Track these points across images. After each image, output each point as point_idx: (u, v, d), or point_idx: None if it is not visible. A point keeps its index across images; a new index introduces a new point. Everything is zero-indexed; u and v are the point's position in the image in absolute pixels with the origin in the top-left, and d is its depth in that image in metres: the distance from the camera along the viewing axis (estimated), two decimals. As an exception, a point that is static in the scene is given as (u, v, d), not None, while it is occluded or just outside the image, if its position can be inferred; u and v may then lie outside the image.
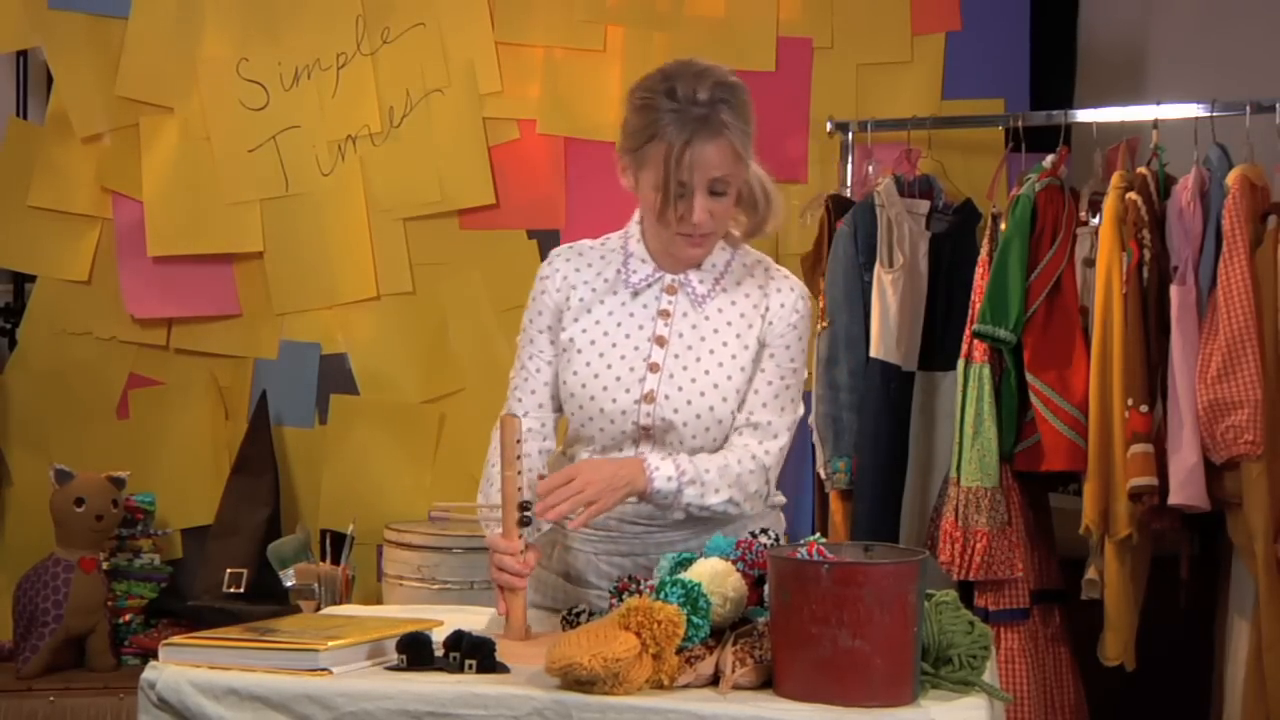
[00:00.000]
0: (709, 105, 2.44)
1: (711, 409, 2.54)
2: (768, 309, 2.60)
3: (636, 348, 2.57)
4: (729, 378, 2.56)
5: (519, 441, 2.42)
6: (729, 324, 2.58)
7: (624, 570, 2.59)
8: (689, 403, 2.53)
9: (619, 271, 2.62)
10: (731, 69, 2.53)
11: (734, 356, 2.57)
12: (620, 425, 2.55)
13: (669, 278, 2.61)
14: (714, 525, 2.57)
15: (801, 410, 2.67)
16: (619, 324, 2.59)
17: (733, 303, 2.60)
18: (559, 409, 2.65)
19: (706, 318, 2.59)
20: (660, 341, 2.57)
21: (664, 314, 2.59)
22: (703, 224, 2.49)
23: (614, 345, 2.57)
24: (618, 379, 2.55)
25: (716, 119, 2.43)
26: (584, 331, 2.59)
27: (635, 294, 2.60)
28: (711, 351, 2.56)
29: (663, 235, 2.55)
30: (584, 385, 2.56)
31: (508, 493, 2.38)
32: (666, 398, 2.53)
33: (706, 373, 2.55)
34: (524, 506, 2.38)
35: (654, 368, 2.55)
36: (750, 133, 2.50)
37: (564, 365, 2.59)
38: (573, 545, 2.61)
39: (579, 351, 2.58)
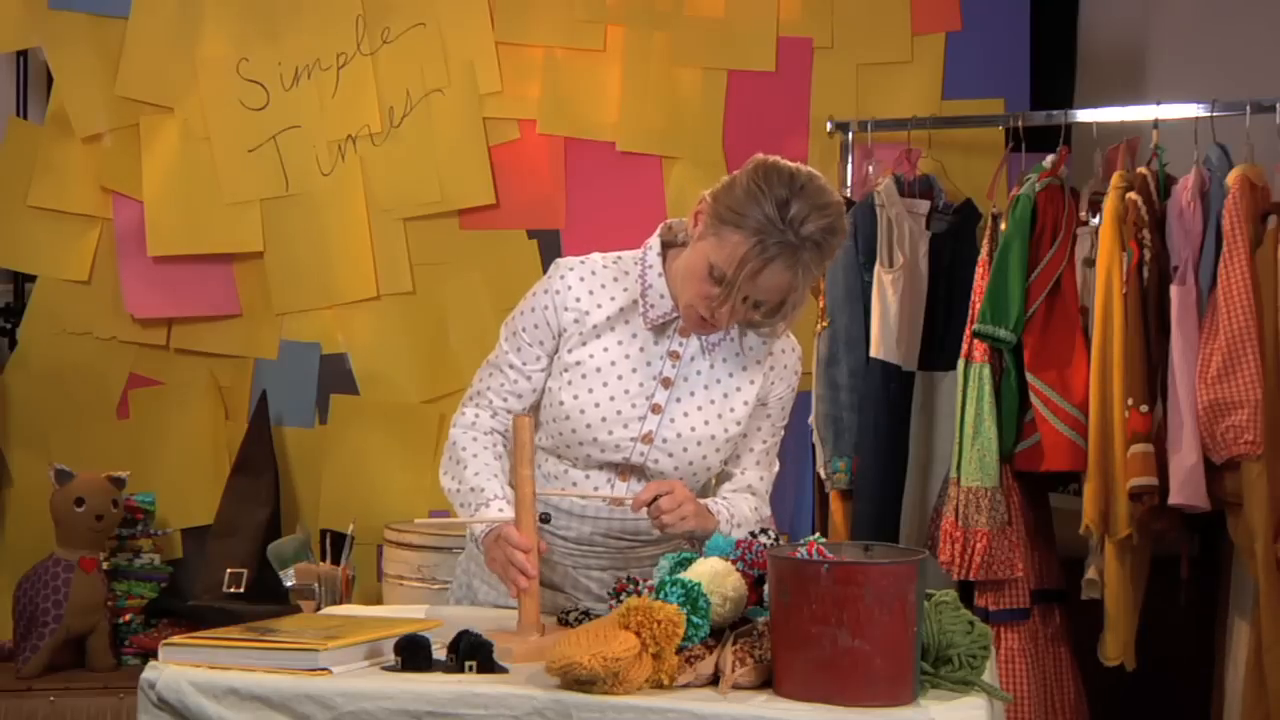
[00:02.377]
0: (804, 240, 2.39)
1: (704, 458, 2.58)
2: (772, 368, 2.64)
3: (642, 384, 2.56)
4: (725, 430, 2.59)
5: (485, 440, 2.49)
6: (730, 375, 2.60)
7: (602, 584, 2.61)
8: (684, 450, 2.56)
9: (636, 302, 2.59)
10: (840, 206, 2.47)
11: (733, 410, 2.60)
12: (611, 457, 2.57)
13: (681, 320, 2.59)
14: (687, 545, 2.63)
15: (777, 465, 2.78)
16: (627, 356, 2.57)
17: (737, 354, 2.61)
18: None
19: (712, 366, 2.60)
20: (666, 383, 2.58)
21: (673, 355, 2.59)
22: (719, 320, 2.49)
23: (620, 378, 2.56)
24: (619, 413, 2.55)
25: (803, 256, 2.40)
26: (592, 357, 2.56)
27: (650, 329, 2.58)
28: (712, 402, 2.59)
29: (684, 290, 2.52)
30: (583, 410, 2.55)
31: (525, 492, 2.38)
32: (664, 441, 2.56)
33: (706, 423, 2.58)
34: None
35: (656, 409, 2.56)
36: (818, 276, 2.53)
37: (563, 384, 2.56)
38: (551, 557, 2.61)
39: (583, 376, 2.56)
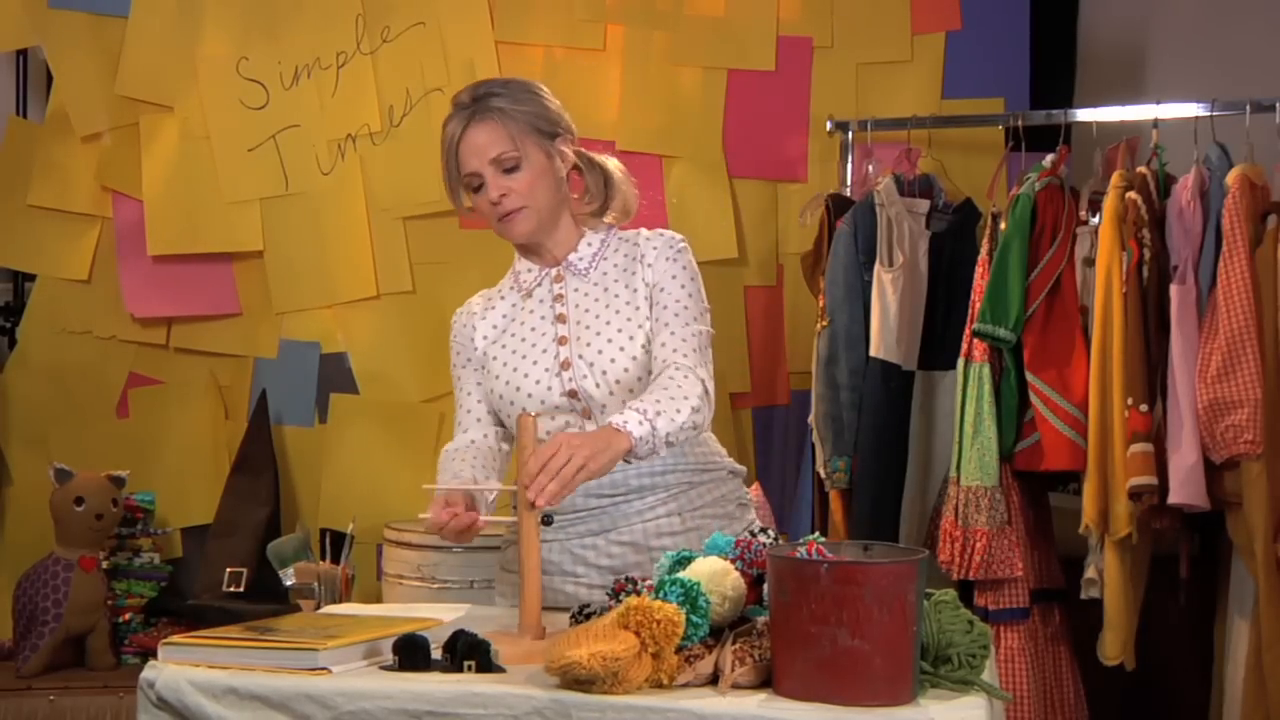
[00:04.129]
0: (474, 100, 2.64)
1: (622, 349, 2.63)
2: (643, 256, 2.72)
3: (543, 334, 2.69)
4: (629, 320, 2.66)
5: (462, 454, 2.63)
6: (615, 280, 2.71)
7: (599, 550, 2.63)
8: (600, 353, 2.63)
9: (513, 287, 2.79)
10: (517, 80, 2.72)
11: (627, 303, 2.68)
12: (549, 401, 2.63)
13: (554, 270, 2.75)
14: (678, 489, 2.65)
15: (712, 330, 2.73)
16: (521, 322, 2.73)
17: (615, 265, 2.74)
18: (501, 425, 2.76)
19: (595, 284, 2.72)
20: (561, 319, 2.70)
21: (558, 298, 2.72)
22: (500, 199, 2.64)
23: (523, 340, 2.70)
24: (534, 363, 2.67)
25: (484, 107, 2.63)
26: (492, 342, 2.74)
27: (529, 294, 2.75)
28: (607, 306, 2.69)
29: (494, 229, 2.71)
30: (507, 381, 2.67)
31: (527, 493, 2.38)
32: (580, 357, 2.64)
33: (608, 323, 2.67)
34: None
35: (563, 340, 2.67)
36: (539, 113, 2.66)
37: (488, 378, 2.72)
38: (544, 536, 2.60)
39: (494, 358, 2.72)
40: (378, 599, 4.12)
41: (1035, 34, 4.53)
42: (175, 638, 2.20)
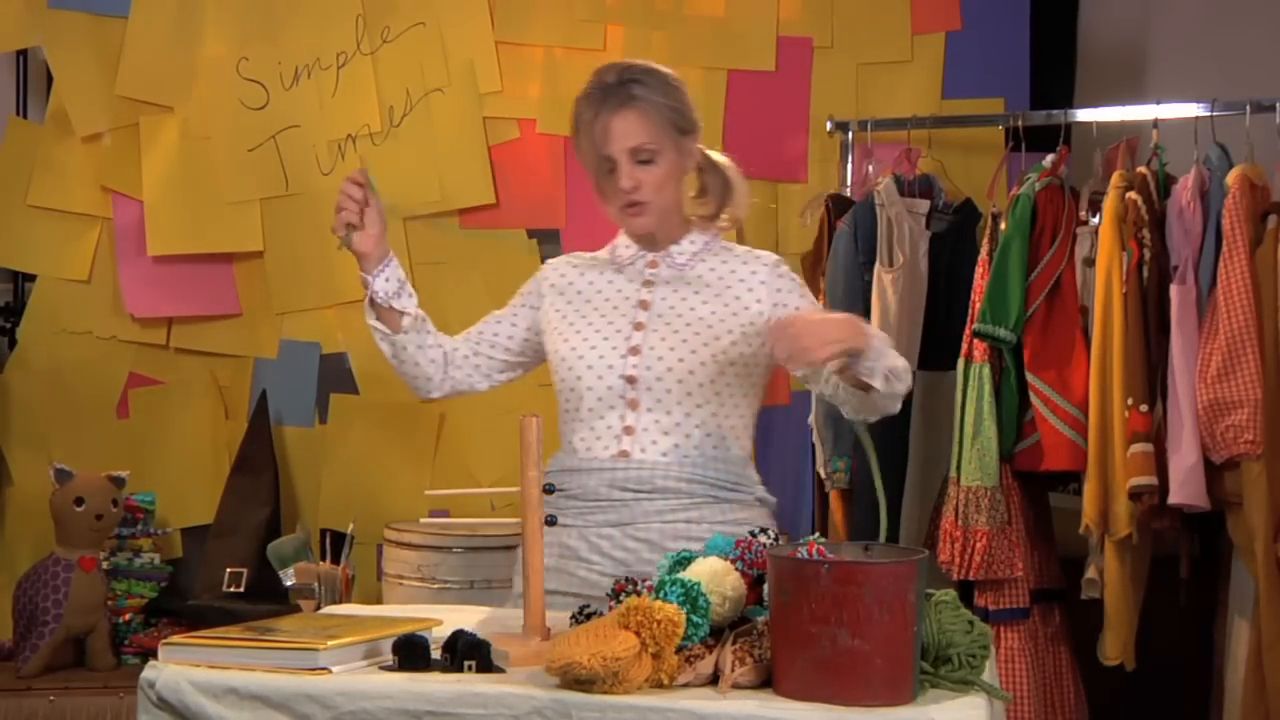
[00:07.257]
0: (619, 84, 2.65)
1: (694, 353, 2.64)
2: (778, 290, 2.72)
3: (623, 314, 2.71)
4: (709, 328, 2.67)
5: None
6: (708, 285, 2.72)
7: (613, 542, 2.63)
8: (672, 349, 2.65)
9: (608, 259, 2.80)
10: (656, 67, 2.72)
11: (713, 312, 2.69)
12: (607, 380, 2.65)
13: (651, 254, 2.77)
14: (703, 499, 2.65)
15: None
16: (604, 295, 2.74)
17: (711, 269, 2.75)
18: (493, 358, 2.84)
19: (687, 282, 2.73)
20: (644, 305, 2.71)
21: (647, 283, 2.74)
22: (633, 190, 2.65)
23: (602, 315, 2.72)
24: (605, 339, 2.68)
25: (625, 93, 2.64)
26: (569, 303, 2.75)
27: (619, 270, 2.77)
28: (693, 309, 2.69)
29: (613, 214, 2.73)
30: (573, 348, 2.69)
31: (531, 494, 2.36)
32: (652, 348, 2.65)
33: (688, 323, 2.67)
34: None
35: (639, 326, 2.68)
36: (679, 109, 2.67)
37: (553, 337, 2.74)
38: (563, 522, 2.62)
39: (568, 321, 2.73)
40: (378, 599, 4.12)
41: (1035, 34, 4.53)
42: (175, 638, 2.20)
